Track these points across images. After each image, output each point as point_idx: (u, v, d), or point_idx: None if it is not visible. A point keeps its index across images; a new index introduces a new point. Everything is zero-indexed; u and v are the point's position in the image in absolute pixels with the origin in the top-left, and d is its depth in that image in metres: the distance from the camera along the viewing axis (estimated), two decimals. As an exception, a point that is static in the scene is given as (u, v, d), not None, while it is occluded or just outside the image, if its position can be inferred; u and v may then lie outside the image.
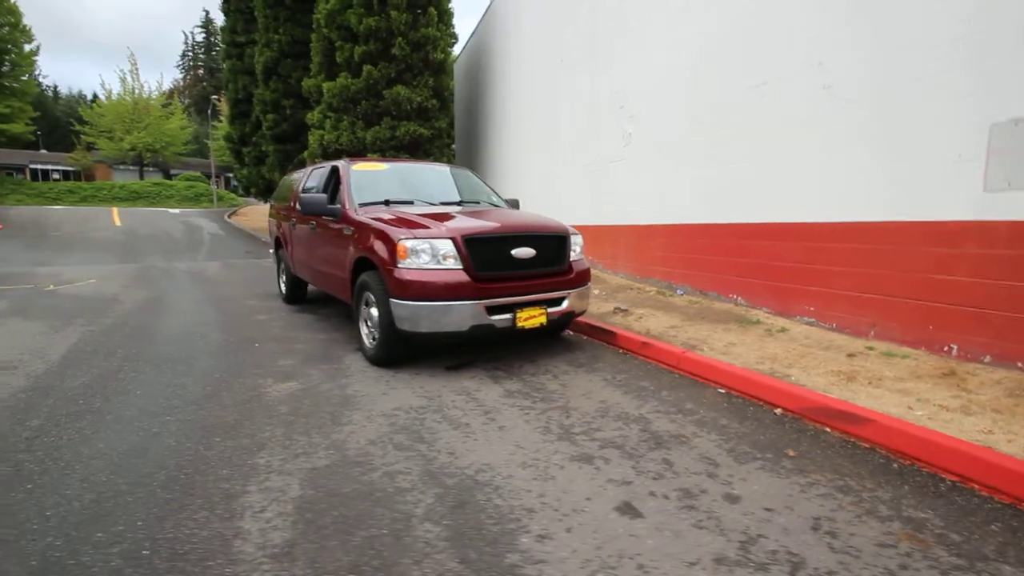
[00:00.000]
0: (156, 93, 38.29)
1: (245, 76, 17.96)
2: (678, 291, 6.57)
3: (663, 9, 6.69)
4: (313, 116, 13.53)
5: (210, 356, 4.37)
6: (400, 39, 12.53)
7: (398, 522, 2.04)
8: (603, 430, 2.91)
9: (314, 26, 13.79)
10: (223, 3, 18.86)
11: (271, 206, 7.65)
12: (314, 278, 5.65)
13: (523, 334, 4.14)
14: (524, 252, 3.96)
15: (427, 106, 13.22)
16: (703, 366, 3.81)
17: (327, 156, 13.35)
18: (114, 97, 35.69)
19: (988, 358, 3.54)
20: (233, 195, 37.88)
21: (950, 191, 3.73)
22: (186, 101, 52.22)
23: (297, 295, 6.78)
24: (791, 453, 2.64)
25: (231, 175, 48.38)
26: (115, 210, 26.09)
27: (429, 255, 3.71)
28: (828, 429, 2.91)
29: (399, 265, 3.72)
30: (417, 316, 3.68)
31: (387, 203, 4.68)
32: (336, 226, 4.70)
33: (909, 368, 3.62)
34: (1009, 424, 2.73)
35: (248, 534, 1.97)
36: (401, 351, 4.00)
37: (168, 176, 40.36)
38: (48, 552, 1.85)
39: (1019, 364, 3.38)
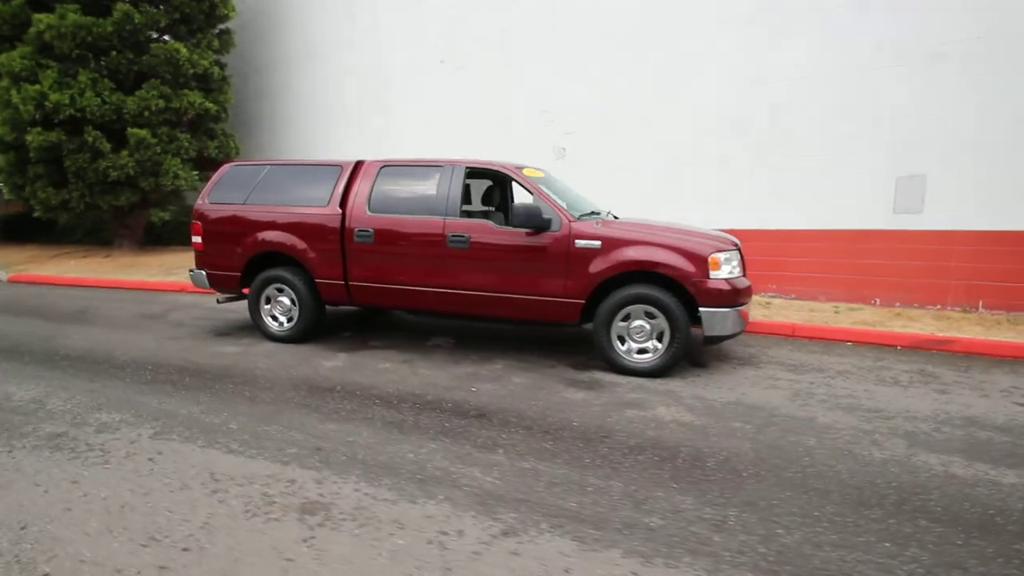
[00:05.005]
0: None
1: None
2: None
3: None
4: (13, 60, 8.70)
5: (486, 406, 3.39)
6: (178, -22, 9.45)
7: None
8: (900, 378, 4.22)
9: (-9, -85, 8.72)
10: None
11: (212, 216, 5.19)
12: (452, 302, 4.53)
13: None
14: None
15: (211, 73, 10.39)
16: (814, 330, 5.54)
17: (50, 126, 8.83)
18: None
19: (898, 304, 6.51)
20: None
21: (873, 213, 6.54)
22: None
23: (315, 329, 5.06)
24: (964, 366, 4.64)
25: None
26: None
27: (731, 264, 4.13)
28: (935, 351, 5.06)
29: (712, 276, 4.00)
30: (729, 320, 4.05)
31: (591, 214, 4.53)
32: (545, 241, 4.22)
33: (872, 315, 6.23)
34: (970, 329, 5.46)
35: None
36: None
37: None
38: None
39: (915, 304, 6.42)
